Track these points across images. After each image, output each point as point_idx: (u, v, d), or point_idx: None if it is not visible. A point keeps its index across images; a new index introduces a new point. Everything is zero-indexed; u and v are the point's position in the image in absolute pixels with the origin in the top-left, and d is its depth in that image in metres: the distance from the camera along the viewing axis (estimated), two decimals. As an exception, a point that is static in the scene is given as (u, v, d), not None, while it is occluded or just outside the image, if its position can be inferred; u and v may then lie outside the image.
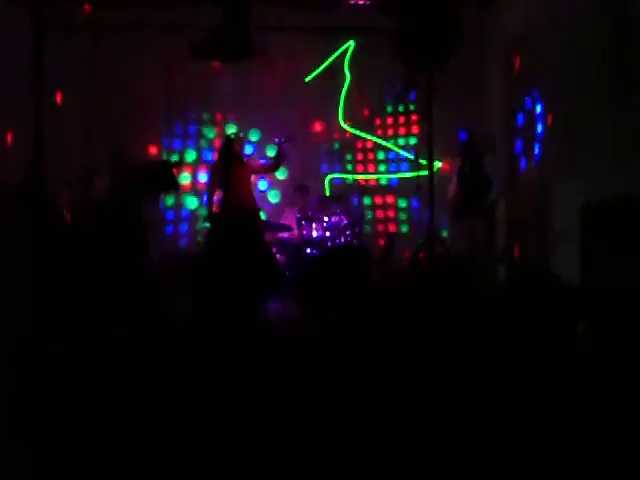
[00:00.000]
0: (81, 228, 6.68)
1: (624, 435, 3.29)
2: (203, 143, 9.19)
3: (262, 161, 8.41)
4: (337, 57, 9.14)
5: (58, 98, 8.00)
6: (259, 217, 7.33)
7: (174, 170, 7.74)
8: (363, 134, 9.34)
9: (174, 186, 7.69)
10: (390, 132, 9.40)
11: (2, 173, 6.35)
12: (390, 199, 9.47)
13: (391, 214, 9.44)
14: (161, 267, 7.21)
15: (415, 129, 9.23)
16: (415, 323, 5.21)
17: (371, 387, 3.91)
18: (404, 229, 9.40)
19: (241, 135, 7.25)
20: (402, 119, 9.37)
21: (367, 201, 9.41)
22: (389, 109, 9.36)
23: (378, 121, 9.38)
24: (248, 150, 8.89)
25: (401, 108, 9.36)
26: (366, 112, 9.32)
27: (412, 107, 9.22)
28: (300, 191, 8.55)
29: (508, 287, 6.36)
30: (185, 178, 9.03)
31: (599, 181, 5.41)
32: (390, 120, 9.38)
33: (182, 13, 8.31)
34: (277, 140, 7.24)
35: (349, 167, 9.43)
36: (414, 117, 9.20)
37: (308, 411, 3.58)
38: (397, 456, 3.13)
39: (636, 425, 3.39)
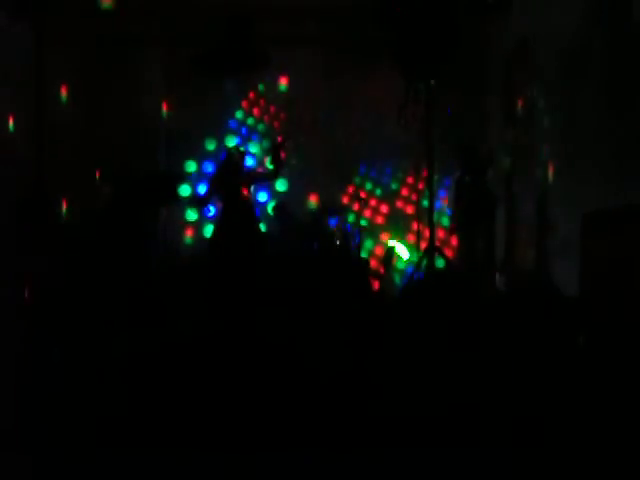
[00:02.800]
0: (80, 238, 6.69)
1: (624, 443, 3.28)
2: (203, 155, 9.21)
3: (260, 170, 8.46)
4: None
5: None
6: (259, 228, 7.32)
7: (174, 182, 7.77)
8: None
9: (174, 198, 7.72)
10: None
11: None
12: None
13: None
14: (161, 277, 7.20)
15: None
16: (414, 334, 5.22)
17: (370, 391, 3.92)
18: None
19: (241, 149, 7.24)
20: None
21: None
22: None
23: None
24: (248, 162, 8.93)
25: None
26: None
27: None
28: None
29: (508, 298, 6.36)
30: (185, 190, 9.04)
31: (600, 192, 5.43)
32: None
33: (183, 27, 8.36)
34: (271, 147, 7.22)
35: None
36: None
37: (309, 417, 3.58)
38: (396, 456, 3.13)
39: (636, 434, 3.38)
